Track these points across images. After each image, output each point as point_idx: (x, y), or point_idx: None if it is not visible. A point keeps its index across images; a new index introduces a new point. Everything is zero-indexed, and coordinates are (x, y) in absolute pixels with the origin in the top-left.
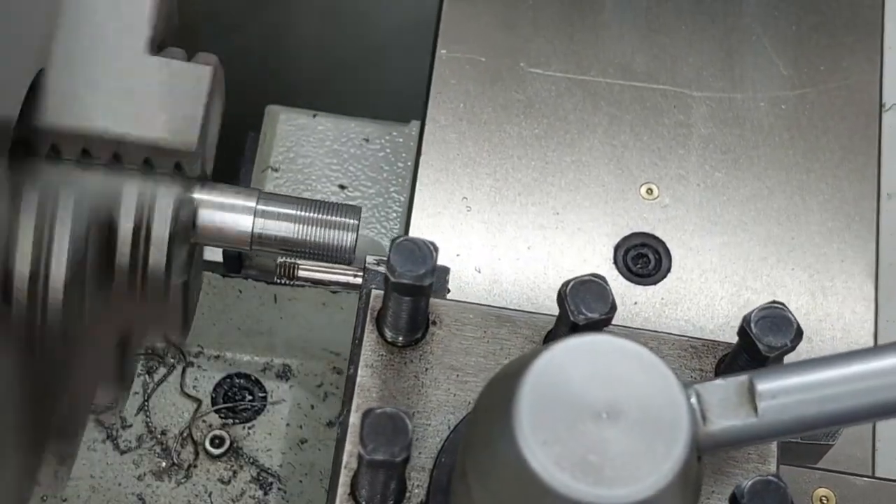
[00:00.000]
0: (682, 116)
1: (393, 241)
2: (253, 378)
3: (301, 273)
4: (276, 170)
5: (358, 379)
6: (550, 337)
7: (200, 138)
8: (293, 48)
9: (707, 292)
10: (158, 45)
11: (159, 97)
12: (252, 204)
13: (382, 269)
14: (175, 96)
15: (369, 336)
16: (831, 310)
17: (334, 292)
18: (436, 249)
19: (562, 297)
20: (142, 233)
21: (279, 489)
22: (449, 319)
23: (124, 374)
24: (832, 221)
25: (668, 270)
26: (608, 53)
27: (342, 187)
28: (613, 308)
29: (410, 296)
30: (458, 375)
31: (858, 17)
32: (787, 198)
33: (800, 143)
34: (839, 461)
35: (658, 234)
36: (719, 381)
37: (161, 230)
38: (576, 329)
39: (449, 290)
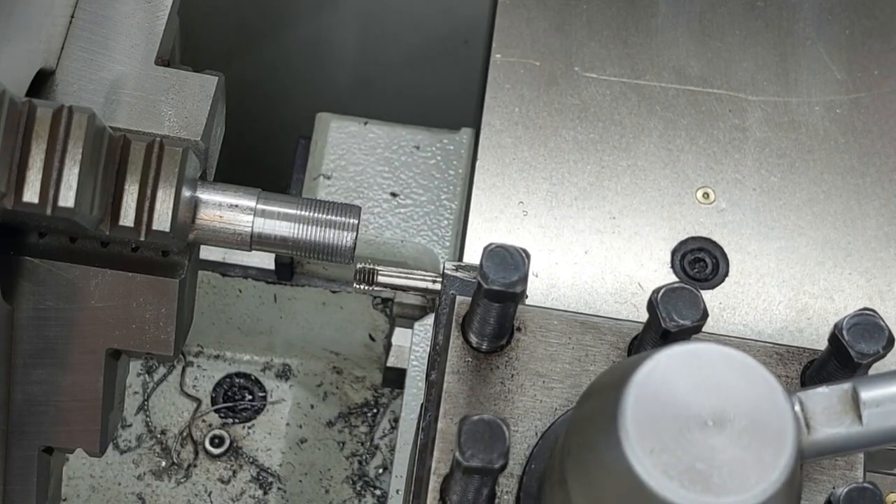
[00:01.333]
0: (737, 120)
1: (485, 248)
2: (253, 377)
3: (380, 279)
4: (329, 177)
5: (445, 385)
6: (637, 343)
7: (205, 133)
8: (341, 55)
9: (765, 297)
10: (166, 62)
11: (166, 98)
12: (252, 203)
13: (461, 274)
14: (182, 97)
15: (455, 342)
16: (889, 313)
17: (334, 292)
18: (528, 256)
19: (653, 304)
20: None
21: (279, 489)
22: (534, 325)
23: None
24: (889, 226)
25: (726, 275)
26: (662, 58)
27: (394, 195)
28: (705, 315)
29: (501, 302)
30: (543, 382)
31: None
32: (843, 202)
33: (855, 147)
34: None
35: (715, 238)
36: (823, 389)
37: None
38: (666, 336)
39: (527, 297)
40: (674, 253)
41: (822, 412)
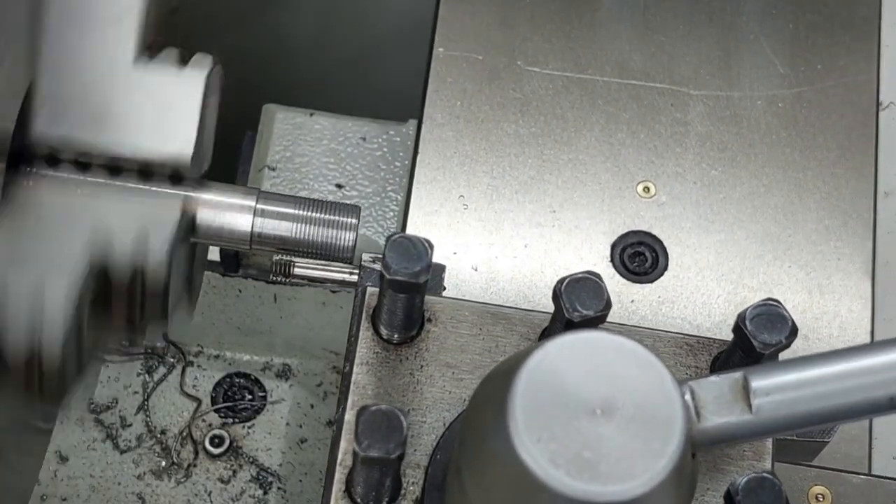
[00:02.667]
0: (679, 114)
1: (388, 238)
2: (253, 377)
3: (297, 271)
4: (274, 169)
5: (353, 376)
6: (546, 334)
7: (195, 150)
8: (290, 47)
9: (704, 290)
10: (153, 46)
11: (151, 111)
12: (251, 203)
13: (378, 266)
14: (168, 109)
15: (365, 333)
16: (828, 307)
17: (334, 291)
18: (431, 247)
19: (557, 295)
20: (138, 277)
21: (279, 488)
22: (444, 317)
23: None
24: (829, 219)
25: (665, 268)
26: (605, 52)
27: (339, 186)
28: (608, 305)
29: (405, 293)
30: (453, 373)
31: (855, 16)
32: (784, 196)
33: (797, 141)
34: (835, 459)
35: (655, 232)
36: (714, 378)
37: (158, 275)
38: (571, 326)
39: (444, 288)
40: (613, 247)
41: (713, 401)
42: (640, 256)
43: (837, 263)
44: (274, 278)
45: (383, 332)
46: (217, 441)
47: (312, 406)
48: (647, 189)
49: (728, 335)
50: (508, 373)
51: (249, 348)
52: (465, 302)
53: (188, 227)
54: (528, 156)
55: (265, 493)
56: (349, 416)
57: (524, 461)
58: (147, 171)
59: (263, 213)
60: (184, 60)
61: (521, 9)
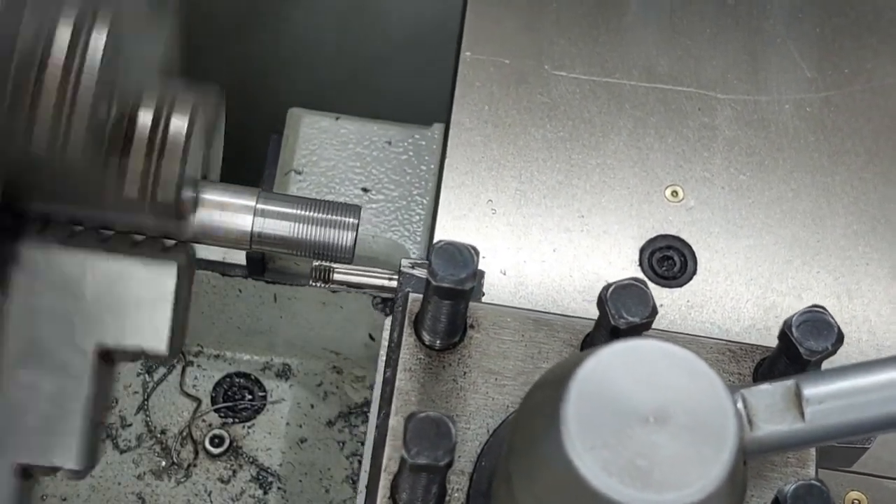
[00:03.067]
0: (706, 119)
1: (433, 245)
2: (253, 377)
3: (336, 276)
4: (300, 173)
5: (397, 382)
6: (588, 341)
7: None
8: (315, 51)
9: (732, 295)
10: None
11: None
12: (252, 203)
13: (417, 272)
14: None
15: (408, 339)
16: (857, 312)
17: (334, 291)
18: (477, 253)
19: (602, 301)
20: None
21: (279, 488)
22: (487, 323)
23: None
24: (857, 224)
25: (694, 273)
26: (632, 56)
27: (365, 190)
28: (654, 312)
29: (451, 299)
30: (496, 379)
31: (882, 20)
32: (812, 200)
33: (825, 145)
34: (869, 464)
35: (683, 236)
36: (765, 386)
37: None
38: (616, 333)
39: (483, 294)
40: (642, 251)
41: (765, 409)
42: (669, 261)
43: (866, 268)
44: (313, 283)
45: (426, 338)
46: (217, 441)
47: (312, 406)
48: (675, 193)
49: (758, 340)
50: (560, 381)
51: (249, 348)
52: (508, 308)
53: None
54: (556, 160)
55: (265, 492)
56: (394, 421)
57: (577, 469)
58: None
59: (264, 213)
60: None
61: (548, 13)
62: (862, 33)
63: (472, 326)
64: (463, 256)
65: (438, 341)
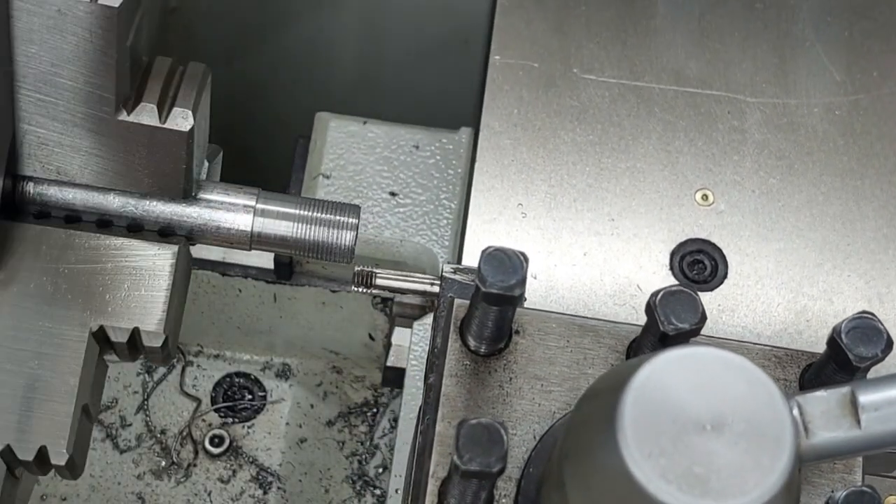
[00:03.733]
0: (736, 122)
1: (483, 251)
2: (252, 377)
3: (379, 281)
4: (328, 177)
5: (443, 388)
6: (635, 347)
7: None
8: (341, 54)
9: (764, 299)
10: (150, 52)
11: (137, 155)
12: (252, 203)
13: (459, 277)
14: (153, 152)
15: (453, 345)
16: (888, 316)
17: (334, 291)
18: (526, 260)
19: (651, 308)
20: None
21: (279, 488)
22: (532, 329)
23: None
24: (888, 227)
25: (725, 277)
26: (661, 59)
27: (393, 194)
28: (703, 318)
29: (499, 305)
30: (542, 385)
31: None
32: (842, 204)
33: (854, 148)
34: None
35: (714, 240)
36: (821, 393)
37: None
38: (664, 339)
39: (526, 299)
40: (673, 255)
41: (821, 416)
42: (700, 264)
43: None
44: (356, 288)
45: (471, 343)
46: (217, 441)
47: (312, 406)
48: (705, 197)
49: (789, 343)
50: (615, 388)
51: (249, 348)
52: (553, 314)
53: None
54: (586, 164)
55: (265, 492)
56: (441, 427)
57: (635, 476)
58: (137, 226)
59: (264, 213)
60: (176, 70)
61: (577, 16)
62: (890, 36)
63: (517, 332)
64: (512, 262)
65: (484, 347)
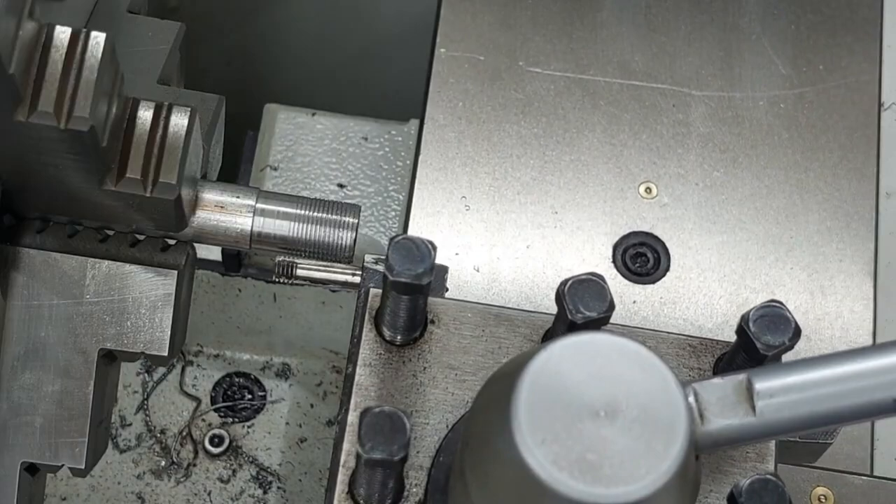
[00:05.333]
0: (681, 115)
1: (391, 239)
2: (252, 377)
3: (299, 272)
4: (276, 168)
5: (356, 378)
6: (549, 336)
7: (206, 140)
8: (292, 47)
9: (706, 291)
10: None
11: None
12: (251, 203)
13: (381, 267)
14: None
15: (368, 335)
16: (830, 309)
17: (334, 291)
18: (434, 248)
19: (560, 296)
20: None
21: (279, 488)
22: (447, 318)
23: None
24: (831, 220)
25: (667, 269)
26: (607, 52)
27: (341, 186)
28: (612, 307)
29: (408, 294)
30: (456, 374)
31: (857, 17)
32: (785, 197)
33: (799, 142)
34: (837, 460)
35: (657, 233)
36: (717, 380)
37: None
38: (574, 328)
39: (447, 289)
40: (615, 247)
41: (717, 403)
42: (642, 257)
43: (839, 265)
44: (276, 279)
45: (386, 333)
46: (217, 440)
47: (312, 405)
48: (648, 190)
49: (731, 336)
50: (511, 375)
51: (249, 348)
52: (468, 303)
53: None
54: (531, 157)
55: (265, 492)
56: (352, 417)
57: (528, 463)
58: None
59: (263, 213)
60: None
61: (523, 9)
62: (836, 30)
63: (432, 322)
64: (420, 251)
65: (399, 336)
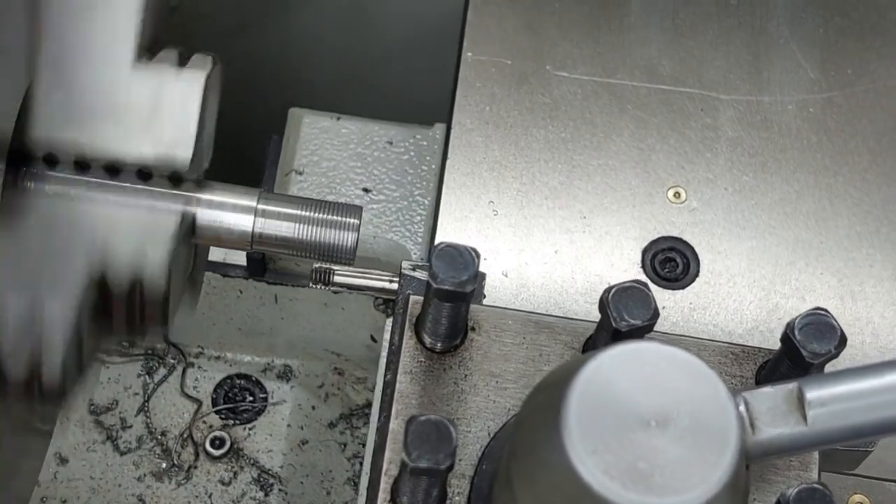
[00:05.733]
0: (709, 119)
1: (434, 247)
2: (254, 379)
3: (337, 278)
4: (301, 173)
5: (397, 385)
6: (590, 343)
7: (194, 151)
8: (316, 50)
9: (735, 297)
10: (153, 47)
11: (150, 111)
12: (252, 203)
13: (418, 274)
14: (167, 110)
15: (408, 342)
16: (860, 314)
17: (336, 292)
18: (478, 255)
19: (604, 304)
20: (138, 286)
21: (280, 490)
22: (488, 325)
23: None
24: (861, 225)
25: (697, 275)
26: (634, 56)
27: (366, 190)
28: (656, 315)
29: (452, 302)
30: (497, 382)
31: (886, 21)
32: (815, 201)
33: (828, 146)
34: (869, 466)
35: (686, 238)
36: (767, 389)
37: (157, 283)
38: (618, 336)
39: (485, 296)
40: (644, 252)
41: (767, 412)
42: (671, 262)
43: (869, 270)
44: (313, 285)
45: (427, 340)
46: (218, 443)
47: (314, 407)
48: (677, 195)
49: (761, 342)
50: (561, 383)
51: (250, 349)
52: (509, 311)
53: (188, 231)
54: (558, 161)
55: (266, 495)
56: (395, 425)
57: (579, 473)
58: (146, 173)
59: (265, 214)
60: (183, 61)
61: (549, 13)
62: (865, 34)
63: (473, 329)
64: (464, 258)
65: (439, 344)
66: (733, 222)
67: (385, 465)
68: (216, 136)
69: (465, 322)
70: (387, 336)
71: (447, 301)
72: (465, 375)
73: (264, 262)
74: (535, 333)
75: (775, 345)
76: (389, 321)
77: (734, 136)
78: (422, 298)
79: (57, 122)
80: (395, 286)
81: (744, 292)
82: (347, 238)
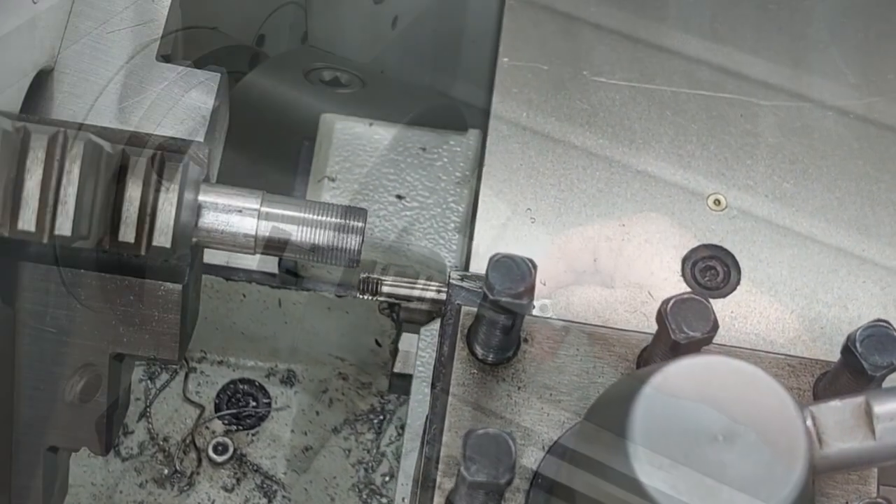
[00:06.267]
0: (749, 126)
1: (491, 258)
2: (257, 384)
3: (385, 289)
4: (333, 179)
5: (450, 398)
6: (646, 355)
7: (208, 133)
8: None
9: (777, 306)
10: (167, 57)
11: (168, 96)
12: (256, 206)
13: (467, 284)
14: (184, 95)
15: (460, 353)
16: None
17: (339, 296)
18: (534, 267)
19: (662, 316)
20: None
21: (284, 497)
22: (540, 337)
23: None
24: None
25: (737, 283)
26: (673, 61)
27: (399, 197)
28: (715, 327)
29: (507, 314)
30: (551, 394)
31: None
32: (857, 209)
33: (869, 152)
34: None
35: (727, 245)
36: (835, 403)
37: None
38: (676, 348)
39: (534, 307)
40: (684, 261)
41: (835, 426)
42: (712, 271)
43: None
44: (361, 295)
45: (479, 351)
46: (221, 448)
47: (318, 413)
48: (717, 202)
49: (803, 352)
50: (626, 398)
51: (253, 354)
52: (562, 321)
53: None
54: (596, 168)
55: (269, 501)
56: (447, 437)
57: (647, 489)
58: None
59: (268, 216)
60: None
61: (586, 18)
62: None
63: (525, 340)
64: (520, 270)
65: (491, 355)
66: (774, 230)
67: (439, 479)
68: (248, 141)
69: (519, 334)
70: (405, 345)
71: (503, 313)
72: (519, 387)
73: (296, 270)
74: (588, 345)
75: (818, 354)
76: (427, 329)
77: (774, 143)
78: (474, 310)
79: (73, 108)
80: (443, 296)
81: (785, 301)
82: (352, 241)
